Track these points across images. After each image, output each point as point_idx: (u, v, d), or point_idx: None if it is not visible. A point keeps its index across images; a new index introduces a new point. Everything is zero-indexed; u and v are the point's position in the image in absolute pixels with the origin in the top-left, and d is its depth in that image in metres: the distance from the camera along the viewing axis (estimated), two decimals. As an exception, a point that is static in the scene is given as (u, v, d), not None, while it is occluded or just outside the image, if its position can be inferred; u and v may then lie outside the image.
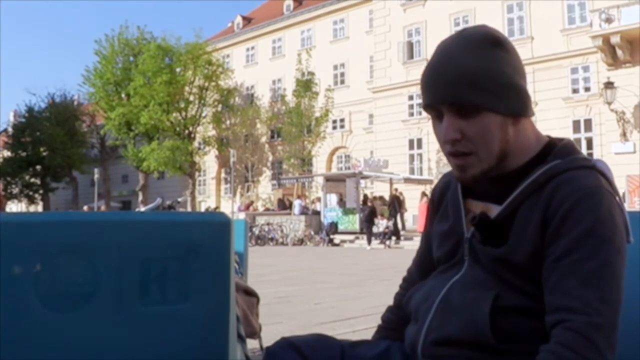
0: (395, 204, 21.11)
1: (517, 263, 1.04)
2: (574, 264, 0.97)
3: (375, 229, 20.32)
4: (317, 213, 24.92)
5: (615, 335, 0.95)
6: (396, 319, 1.31)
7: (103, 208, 31.29)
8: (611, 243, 0.98)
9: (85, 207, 34.88)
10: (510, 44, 1.11)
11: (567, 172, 1.05)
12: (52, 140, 42.07)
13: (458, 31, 1.13)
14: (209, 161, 39.69)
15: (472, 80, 1.05)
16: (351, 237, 22.48)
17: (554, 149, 1.12)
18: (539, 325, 1.00)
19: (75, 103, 46.77)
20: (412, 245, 17.50)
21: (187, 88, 36.64)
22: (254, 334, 2.64)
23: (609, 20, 20.90)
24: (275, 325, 4.85)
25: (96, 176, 33.79)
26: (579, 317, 0.93)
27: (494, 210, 1.11)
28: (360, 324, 4.74)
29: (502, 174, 1.11)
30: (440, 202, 1.27)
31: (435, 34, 24.98)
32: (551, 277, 0.99)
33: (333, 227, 23.11)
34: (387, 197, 23.33)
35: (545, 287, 1.00)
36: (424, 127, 26.92)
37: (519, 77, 1.11)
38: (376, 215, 20.64)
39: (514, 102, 1.09)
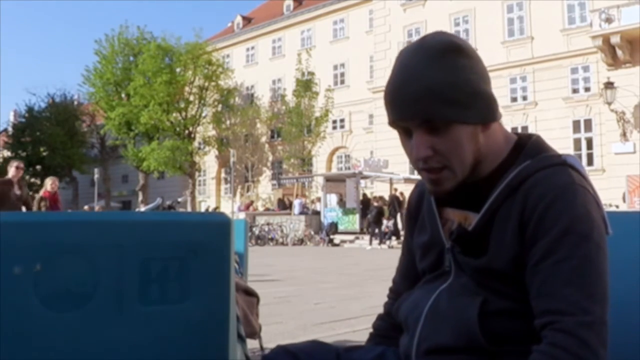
0: (395, 204, 21.12)
1: (500, 270, 1.03)
2: (555, 265, 0.97)
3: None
4: (317, 213, 24.94)
5: (606, 331, 0.94)
6: (387, 326, 1.31)
7: (98, 208, 31.15)
8: (590, 239, 0.97)
9: (85, 207, 34.86)
10: (472, 49, 1.09)
11: (538, 172, 1.04)
12: (52, 140, 42.06)
13: (417, 41, 1.09)
14: (209, 161, 39.69)
15: (439, 94, 1.02)
16: (351, 237, 22.50)
17: (524, 148, 1.10)
18: (529, 326, 1.00)
19: (75, 103, 46.75)
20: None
21: (187, 88, 36.64)
22: (254, 334, 2.64)
23: (609, 20, 20.90)
24: (275, 325, 4.85)
25: (96, 176, 33.77)
26: (568, 318, 0.93)
27: (471, 217, 1.10)
28: (360, 324, 4.74)
29: (476, 180, 1.10)
30: (417, 212, 1.26)
31: (435, 34, 24.88)
32: (534, 281, 0.99)
33: (333, 227, 23.13)
34: (387, 197, 23.35)
35: (530, 291, 1.00)
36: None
37: (484, 83, 1.08)
38: (384, 215, 20.66)
39: (483, 109, 1.07)
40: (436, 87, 1.03)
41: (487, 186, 1.08)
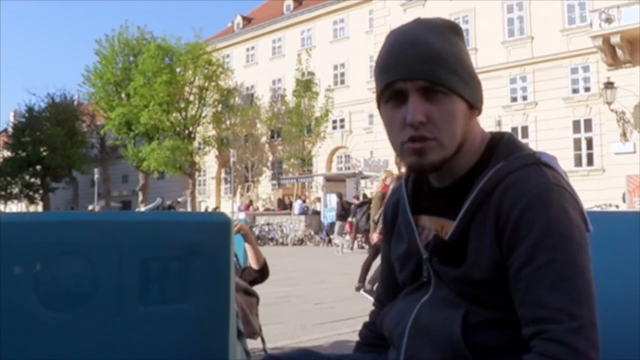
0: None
1: (479, 280, 1.01)
2: (537, 271, 0.94)
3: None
4: (317, 213, 24.92)
5: (595, 332, 0.92)
6: (374, 335, 1.30)
7: (97, 208, 31.06)
8: (570, 240, 0.95)
9: (90, 207, 34.79)
10: (464, 37, 1.10)
11: (511, 174, 1.01)
12: (52, 140, 42.04)
13: (413, 20, 1.09)
14: (209, 161, 39.69)
15: (445, 60, 1.02)
16: (351, 237, 22.43)
17: (497, 148, 1.07)
18: (514, 334, 0.98)
19: (75, 103, 46.72)
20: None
21: (187, 88, 36.62)
22: (254, 333, 2.65)
23: (609, 20, 20.89)
24: (275, 325, 4.86)
25: (96, 176, 33.75)
26: (555, 326, 0.91)
27: (447, 225, 1.07)
28: (360, 324, 4.72)
29: (450, 184, 1.08)
30: (393, 222, 1.23)
31: (435, 34, 24.85)
32: (518, 289, 0.96)
33: (333, 227, 23.09)
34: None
35: (514, 299, 0.97)
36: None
37: (474, 70, 1.08)
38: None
39: (475, 92, 1.06)
40: (442, 53, 1.02)
41: (461, 191, 1.06)
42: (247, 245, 3.06)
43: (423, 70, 1.01)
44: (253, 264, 3.02)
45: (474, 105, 1.06)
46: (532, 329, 0.93)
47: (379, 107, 1.10)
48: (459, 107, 1.03)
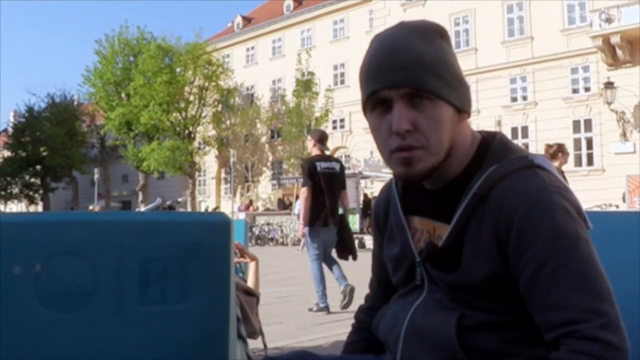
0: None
1: (474, 286, 1.00)
2: (553, 274, 0.93)
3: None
4: (317, 213, 24.89)
5: (622, 323, 0.91)
6: (370, 320, 1.29)
7: (97, 208, 31.08)
8: (577, 237, 0.94)
9: (89, 207, 34.81)
10: (450, 39, 1.09)
11: (506, 178, 1.00)
12: (52, 140, 42.05)
13: (397, 24, 1.08)
14: (209, 161, 39.70)
15: (430, 66, 1.00)
16: (351, 237, 22.45)
17: (489, 150, 1.06)
18: (509, 336, 0.98)
19: (75, 103, 46.73)
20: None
21: (187, 88, 36.63)
22: (254, 333, 2.65)
23: (609, 20, 20.90)
24: (275, 325, 4.86)
25: (96, 176, 33.79)
26: (584, 326, 0.89)
27: (440, 228, 1.06)
28: (360, 324, 4.74)
29: (442, 186, 1.07)
30: (385, 222, 1.22)
31: (435, 34, 24.85)
32: (535, 296, 0.94)
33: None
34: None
35: (530, 306, 0.96)
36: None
37: (461, 73, 1.06)
38: None
39: (462, 96, 1.05)
40: (427, 58, 1.00)
41: (453, 193, 1.04)
42: (250, 269, 2.96)
43: (407, 78, 0.99)
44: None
45: (462, 109, 1.05)
46: (559, 332, 0.91)
47: (365, 114, 1.09)
48: (445, 112, 1.02)
